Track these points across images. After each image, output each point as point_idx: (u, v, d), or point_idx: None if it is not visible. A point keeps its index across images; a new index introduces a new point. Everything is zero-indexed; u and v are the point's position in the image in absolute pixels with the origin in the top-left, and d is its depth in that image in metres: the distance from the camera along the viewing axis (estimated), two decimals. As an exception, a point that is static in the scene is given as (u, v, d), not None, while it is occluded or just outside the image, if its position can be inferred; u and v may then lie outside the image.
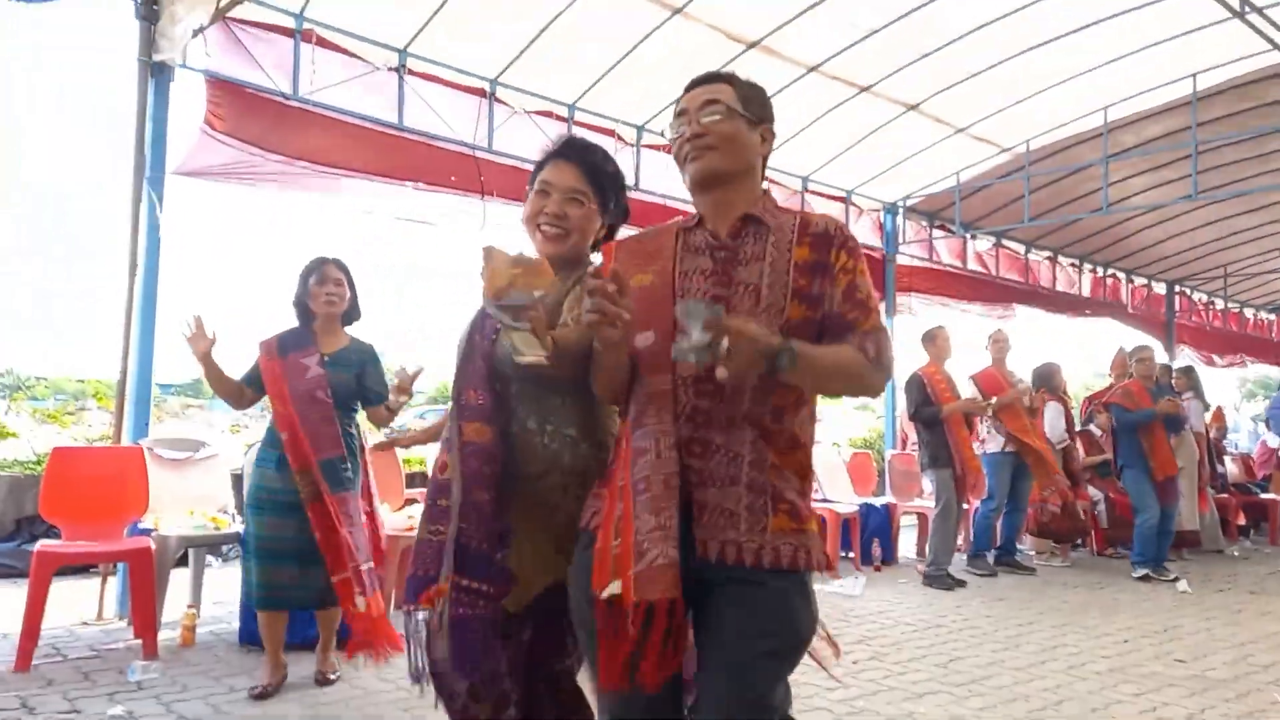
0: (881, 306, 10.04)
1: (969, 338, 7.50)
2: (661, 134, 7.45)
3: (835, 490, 7.66)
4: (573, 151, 2.05)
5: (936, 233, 10.39)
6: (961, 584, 6.41)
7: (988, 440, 7.09)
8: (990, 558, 7.15)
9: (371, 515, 3.75)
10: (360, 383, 3.67)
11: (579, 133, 6.98)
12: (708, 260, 1.78)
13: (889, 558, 7.35)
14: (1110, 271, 13.29)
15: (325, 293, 3.61)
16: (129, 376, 4.82)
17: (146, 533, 4.34)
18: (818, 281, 1.74)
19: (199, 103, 5.10)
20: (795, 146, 8.18)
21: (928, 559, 6.62)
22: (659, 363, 1.72)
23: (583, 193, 2.01)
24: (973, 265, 10.98)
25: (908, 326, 10.58)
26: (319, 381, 3.48)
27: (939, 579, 6.37)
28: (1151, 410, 7.00)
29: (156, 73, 4.89)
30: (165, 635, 4.24)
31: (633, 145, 7.40)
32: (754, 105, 1.83)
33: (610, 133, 7.25)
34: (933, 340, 6.83)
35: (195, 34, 4.67)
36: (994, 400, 6.76)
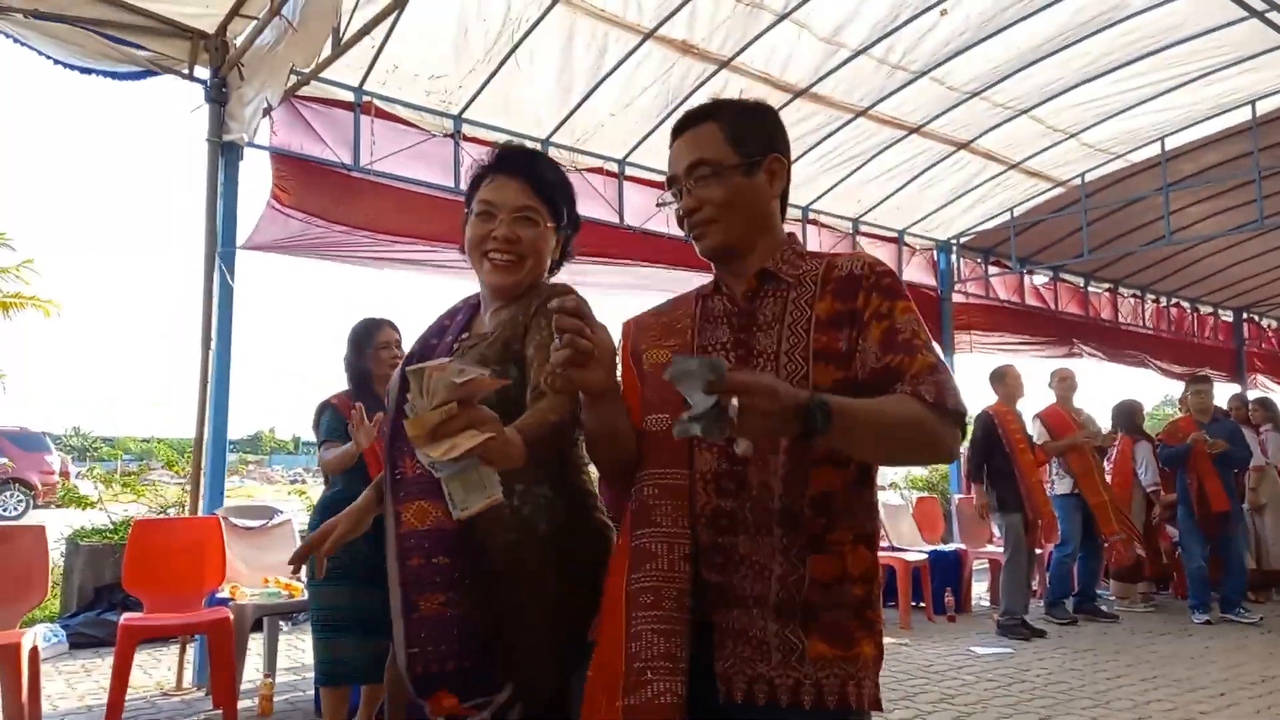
0: (939, 347, 9.94)
1: (1028, 372, 7.34)
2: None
3: (902, 537, 7.51)
4: (515, 164, 1.74)
5: (992, 269, 10.25)
6: (1040, 634, 6.20)
7: (1057, 482, 6.90)
8: (1070, 605, 6.91)
9: None
10: None
11: (630, 188, 7.19)
12: (725, 329, 1.50)
13: (961, 607, 7.15)
14: (1174, 301, 12.97)
15: (391, 357, 3.57)
16: (204, 447, 4.93)
17: (224, 602, 4.39)
18: (845, 335, 1.41)
19: (265, 178, 5.27)
20: (846, 189, 8.18)
21: (1000, 608, 6.42)
22: (673, 452, 1.44)
23: (534, 209, 1.72)
24: (1030, 300, 10.80)
25: (967, 363, 10.46)
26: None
27: (1013, 629, 6.17)
28: (1185, 445, 6.79)
29: (226, 152, 5.06)
30: (243, 704, 4.28)
31: (684, 197, 7.44)
32: (750, 140, 1.50)
33: (662, 186, 7.29)
34: (1002, 379, 6.69)
35: (265, 114, 4.83)
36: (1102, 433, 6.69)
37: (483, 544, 1.62)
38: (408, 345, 2.07)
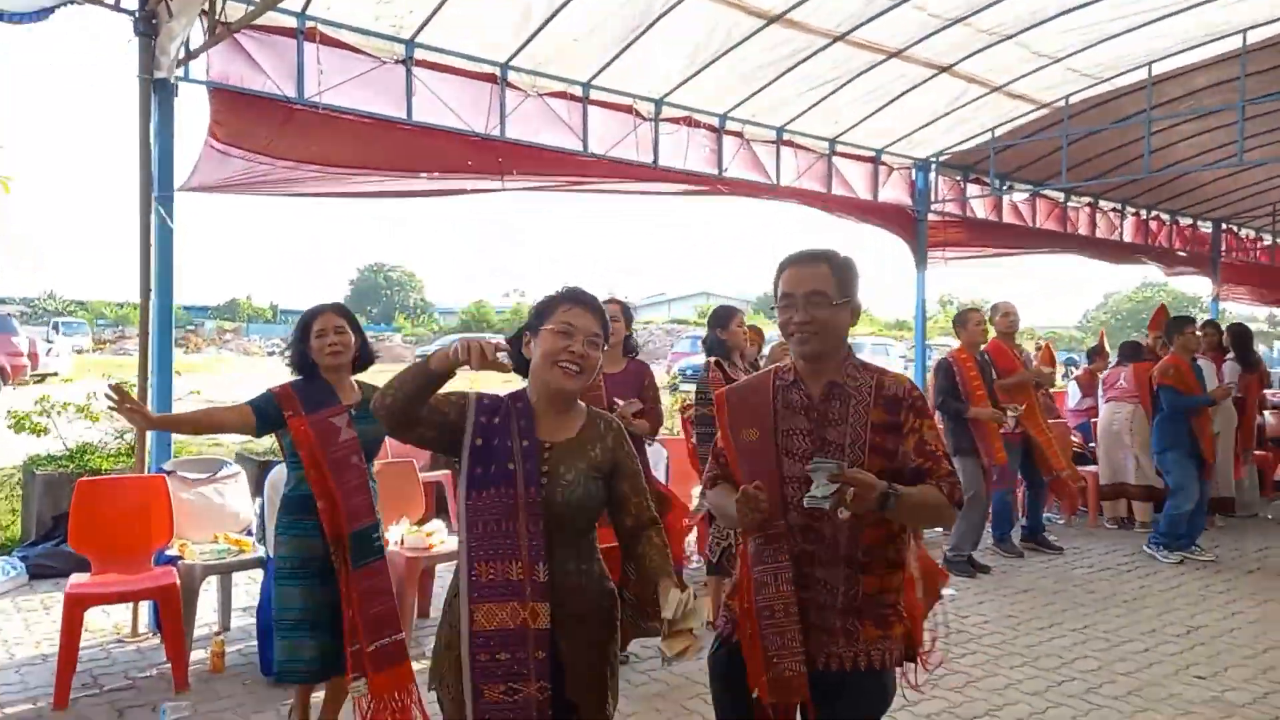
0: (914, 262, 9.87)
1: (1011, 278, 7.30)
2: (685, 111, 7.23)
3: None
4: (590, 300, 2.24)
5: (971, 187, 10.06)
6: (985, 570, 6.40)
7: (998, 423, 6.85)
8: (1017, 537, 7.10)
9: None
10: None
11: (595, 113, 6.90)
12: (804, 420, 2.20)
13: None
14: (1154, 214, 12.85)
15: (328, 344, 3.39)
16: (149, 396, 4.85)
17: (174, 559, 4.43)
18: (890, 438, 2.15)
19: (203, 114, 5.01)
20: (822, 110, 7.91)
21: (949, 543, 6.60)
22: (772, 509, 2.12)
23: (600, 336, 2.21)
24: (1009, 219, 10.66)
25: (942, 278, 10.42)
26: (353, 445, 3.31)
27: (959, 564, 6.36)
28: (1207, 397, 6.77)
29: (159, 89, 4.78)
30: (197, 656, 4.38)
31: (650, 120, 7.18)
32: (847, 285, 2.20)
33: (628, 109, 7.04)
34: (964, 324, 6.62)
35: (195, 54, 4.53)
36: (1016, 408, 6.51)
37: (560, 618, 2.09)
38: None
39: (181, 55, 4.51)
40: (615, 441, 2.25)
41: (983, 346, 6.69)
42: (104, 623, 4.96)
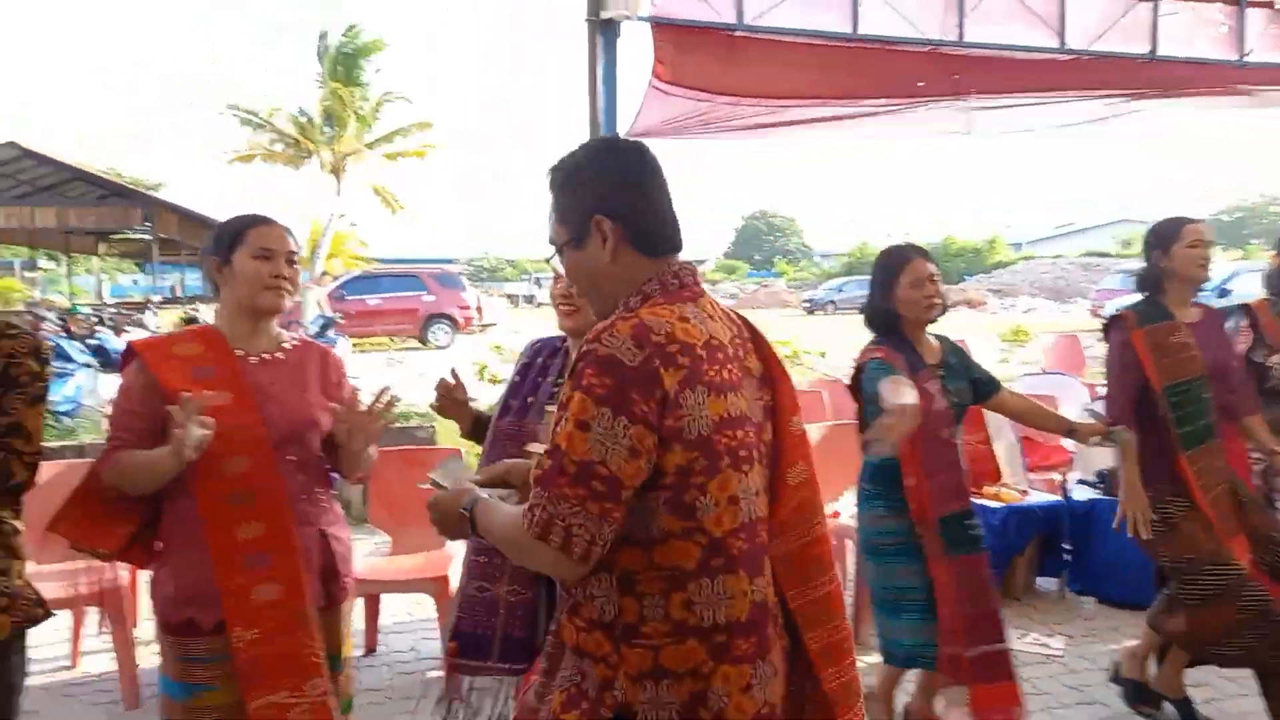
0: None
1: None
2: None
3: None
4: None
5: None
6: None
7: None
8: None
9: None
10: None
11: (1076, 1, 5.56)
12: None
13: None
14: None
15: (923, 296, 2.98)
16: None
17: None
18: None
19: (645, 53, 4.71)
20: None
21: None
22: None
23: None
24: None
25: None
26: (946, 417, 2.94)
27: None
28: None
29: (604, 30, 4.55)
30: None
31: None
32: (571, 212, 1.65)
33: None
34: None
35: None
36: None
37: None
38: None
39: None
40: None
41: None
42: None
